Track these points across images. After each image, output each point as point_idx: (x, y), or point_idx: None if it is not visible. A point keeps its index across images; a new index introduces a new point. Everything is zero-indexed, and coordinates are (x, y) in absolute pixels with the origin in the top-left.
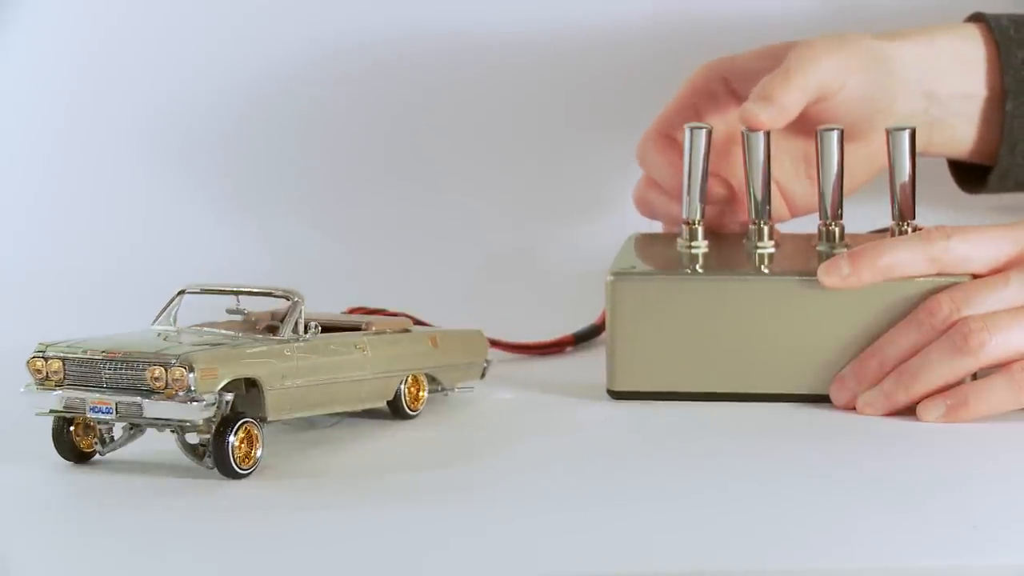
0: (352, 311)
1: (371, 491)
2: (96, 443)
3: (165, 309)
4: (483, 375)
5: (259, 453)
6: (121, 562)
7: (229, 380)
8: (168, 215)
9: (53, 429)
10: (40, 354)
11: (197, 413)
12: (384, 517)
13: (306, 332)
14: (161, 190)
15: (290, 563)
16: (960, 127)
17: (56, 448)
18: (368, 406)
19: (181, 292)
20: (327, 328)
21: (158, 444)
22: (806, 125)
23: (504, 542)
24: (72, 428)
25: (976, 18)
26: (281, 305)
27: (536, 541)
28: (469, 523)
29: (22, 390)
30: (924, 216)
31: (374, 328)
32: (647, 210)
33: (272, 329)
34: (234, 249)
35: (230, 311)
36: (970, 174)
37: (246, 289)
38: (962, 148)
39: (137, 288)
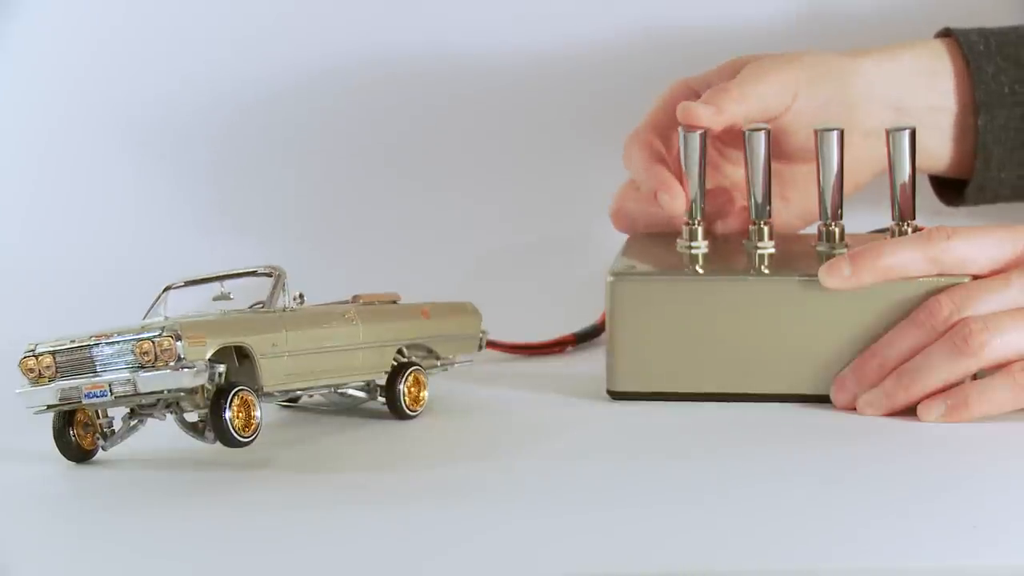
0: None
1: (371, 491)
2: (98, 438)
3: (152, 306)
4: (481, 347)
5: (258, 415)
6: (121, 562)
7: (218, 347)
8: (162, 217)
9: (54, 429)
10: (30, 352)
11: (190, 380)
12: (384, 517)
13: (292, 302)
14: (154, 192)
15: (290, 563)
16: (932, 141)
17: (58, 448)
18: (366, 377)
19: (167, 288)
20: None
21: (158, 444)
22: (773, 146)
23: (504, 542)
24: (73, 428)
25: (945, 34)
26: (264, 296)
27: (536, 541)
28: (469, 523)
29: (17, 391)
30: (924, 217)
31: (362, 300)
32: (624, 223)
33: (259, 304)
34: (228, 250)
35: (216, 299)
36: (949, 187)
37: (228, 273)
38: (938, 163)
39: (130, 290)
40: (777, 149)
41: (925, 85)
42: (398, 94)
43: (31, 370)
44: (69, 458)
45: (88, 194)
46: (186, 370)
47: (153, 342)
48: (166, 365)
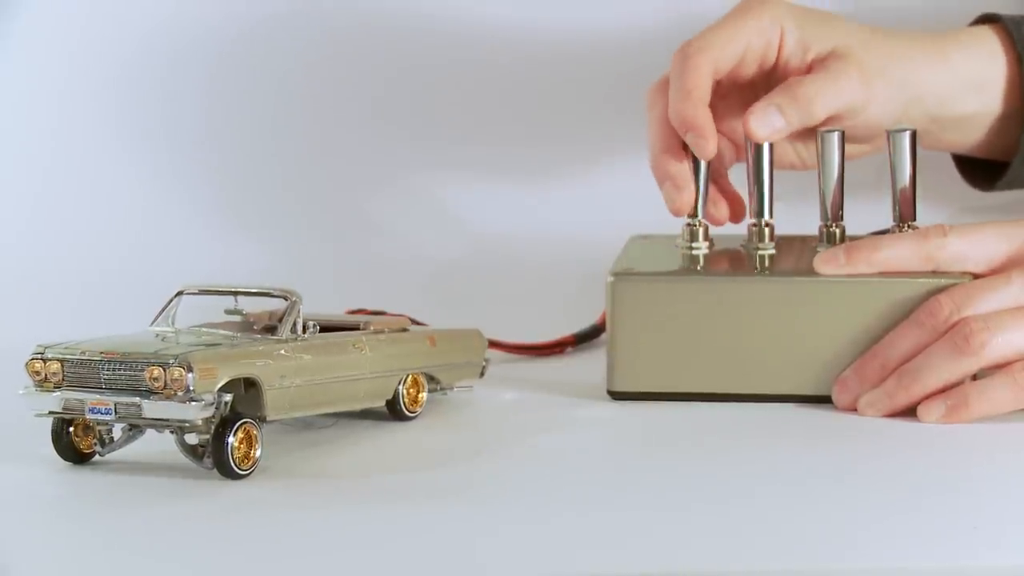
0: (352, 313)
1: (370, 492)
2: (96, 444)
3: (163, 310)
4: (482, 374)
5: (258, 453)
6: (121, 562)
7: (228, 380)
8: (165, 216)
9: (52, 430)
10: (39, 356)
11: (196, 413)
12: (383, 518)
13: (304, 332)
14: (158, 191)
15: (289, 564)
16: (960, 137)
17: (56, 449)
18: (367, 405)
19: (179, 293)
20: (326, 328)
21: (158, 445)
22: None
23: (503, 542)
24: (71, 429)
25: (993, 18)
26: (279, 305)
27: (536, 541)
28: (468, 523)
29: (21, 392)
30: (926, 215)
31: (372, 327)
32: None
33: (270, 329)
34: (232, 249)
35: (228, 311)
36: (974, 167)
37: (244, 289)
38: (963, 150)
39: (135, 289)
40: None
41: (975, 94)
42: (400, 93)
43: (37, 373)
44: (67, 458)
45: (93, 191)
46: (193, 403)
47: (164, 369)
48: (174, 395)
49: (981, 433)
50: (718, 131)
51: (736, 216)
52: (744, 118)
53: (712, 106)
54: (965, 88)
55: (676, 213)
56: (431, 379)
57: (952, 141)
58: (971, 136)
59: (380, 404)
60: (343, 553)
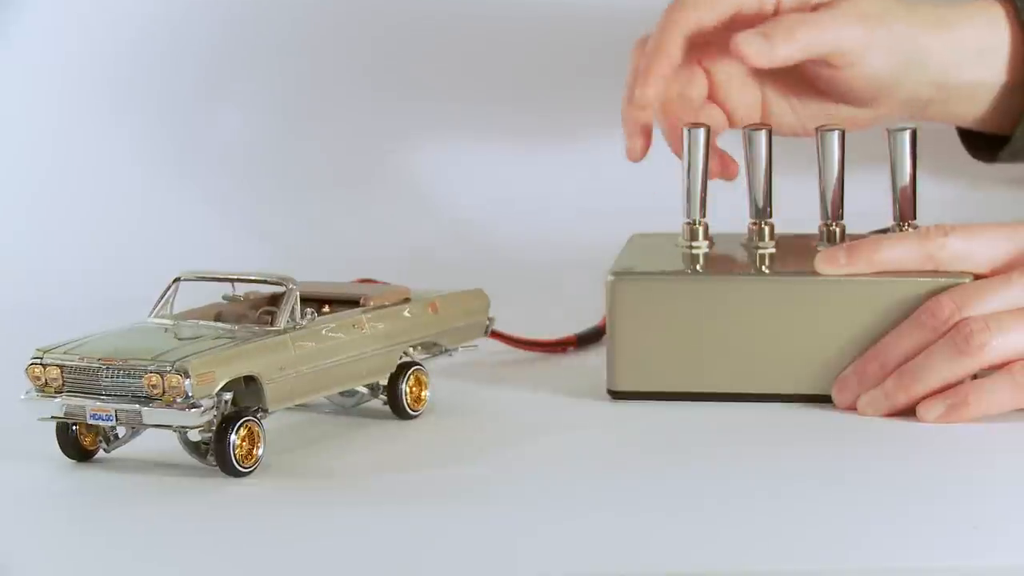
0: (361, 282)
1: (372, 491)
2: (100, 441)
3: (162, 299)
4: (486, 332)
5: (260, 451)
6: (123, 562)
7: (227, 381)
8: (164, 207)
9: (57, 427)
10: (38, 360)
11: (195, 420)
12: (385, 517)
13: (302, 319)
14: (156, 184)
15: (291, 563)
16: (965, 108)
17: (60, 446)
18: (370, 381)
19: (177, 279)
20: (324, 300)
21: (161, 443)
22: (805, 74)
23: (504, 542)
24: (75, 427)
25: None
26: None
27: (536, 541)
28: (469, 523)
29: (22, 397)
30: (929, 198)
31: (372, 303)
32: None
33: (270, 313)
34: (225, 245)
35: (227, 297)
36: (976, 139)
37: (241, 276)
38: (968, 122)
39: (134, 281)
40: (832, 92)
41: (978, 62)
42: (401, 88)
43: (37, 378)
44: (71, 456)
45: (92, 185)
46: (193, 409)
47: (162, 376)
48: (173, 401)
49: (981, 433)
50: (711, 97)
51: (728, 173)
52: (731, 43)
53: (706, 70)
54: (968, 56)
55: (632, 157)
56: (434, 344)
57: (957, 112)
58: (976, 107)
59: (384, 378)
60: (344, 552)
